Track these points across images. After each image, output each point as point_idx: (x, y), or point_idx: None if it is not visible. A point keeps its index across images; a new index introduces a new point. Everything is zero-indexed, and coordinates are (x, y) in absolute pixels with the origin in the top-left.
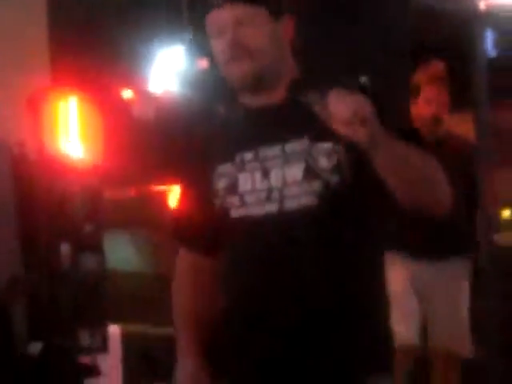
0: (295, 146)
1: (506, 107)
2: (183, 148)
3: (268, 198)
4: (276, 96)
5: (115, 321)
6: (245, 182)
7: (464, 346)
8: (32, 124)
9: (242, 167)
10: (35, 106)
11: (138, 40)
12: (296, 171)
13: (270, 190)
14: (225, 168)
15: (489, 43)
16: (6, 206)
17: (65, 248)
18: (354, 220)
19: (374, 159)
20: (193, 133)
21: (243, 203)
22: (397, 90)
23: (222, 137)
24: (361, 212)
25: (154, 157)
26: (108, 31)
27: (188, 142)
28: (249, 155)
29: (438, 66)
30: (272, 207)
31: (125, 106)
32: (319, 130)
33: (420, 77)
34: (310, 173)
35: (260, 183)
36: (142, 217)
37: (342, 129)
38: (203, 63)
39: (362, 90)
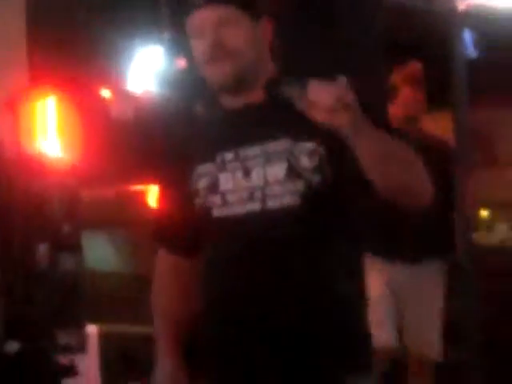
0: (277, 145)
1: (484, 107)
2: (162, 148)
3: (250, 197)
4: (255, 96)
5: (93, 321)
6: (226, 181)
7: (434, 349)
8: (9, 123)
9: (222, 167)
10: (13, 106)
11: (116, 39)
12: (278, 170)
13: (252, 189)
14: (205, 168)
15: (469, 44)
16: None
17: (43, 248)
18: (336, 219)
19: (355, 147)
20: (172, 133)
21: (225, 202)
22: (374, 90)
23: (202, 137)
24: (342, 211)
25: (132, 157)
26: (86, 30)
27: (167, 141)
28: (229, 155)
29: (414, 67)
30: (254, 206)
31: (103, 105)
32: (301, 130)
33: (397, 78)
34: (293, 172)
35: (242, 182)
36: (121, 217)
37: (323, 117)
38: (182, 63)
39: None
